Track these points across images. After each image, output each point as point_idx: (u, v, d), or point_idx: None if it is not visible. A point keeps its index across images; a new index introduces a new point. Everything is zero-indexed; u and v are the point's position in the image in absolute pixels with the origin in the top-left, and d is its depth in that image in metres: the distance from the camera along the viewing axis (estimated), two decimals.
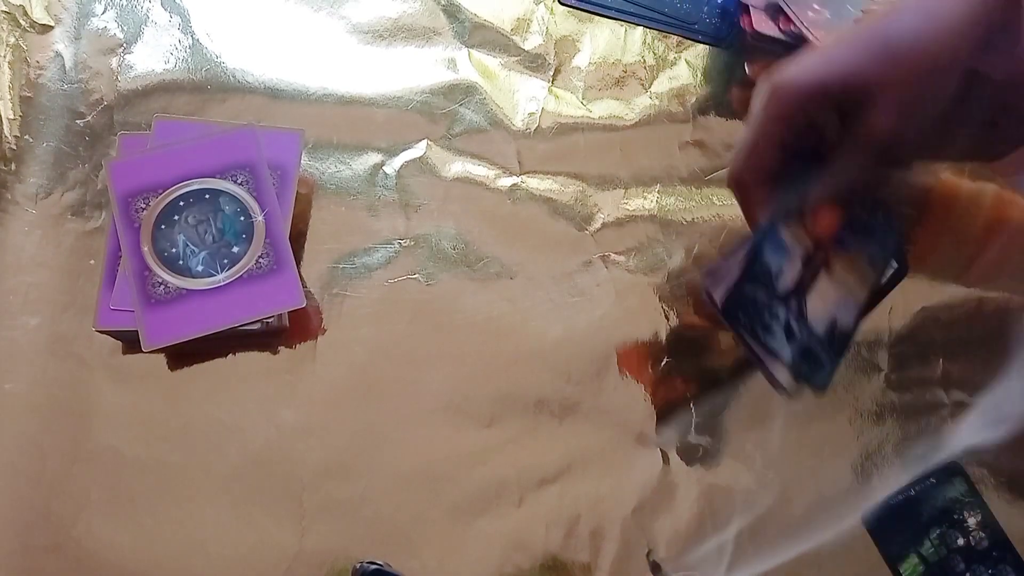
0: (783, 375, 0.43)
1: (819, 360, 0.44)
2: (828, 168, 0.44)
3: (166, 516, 0.48)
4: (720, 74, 0.61)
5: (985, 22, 0.40)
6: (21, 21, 0.59)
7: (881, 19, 0.41)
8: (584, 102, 0.61)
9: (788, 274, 0.44)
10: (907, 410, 0.55)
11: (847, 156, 0.43)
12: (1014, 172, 0.45)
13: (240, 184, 0.52)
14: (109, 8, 0.61)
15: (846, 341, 0.44)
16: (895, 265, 0.46)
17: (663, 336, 0.55)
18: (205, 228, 0.51)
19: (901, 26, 0.40)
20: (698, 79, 0.63)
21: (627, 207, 0.58)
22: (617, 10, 0.64)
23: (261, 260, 0.51)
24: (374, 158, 0.58)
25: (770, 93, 0.42)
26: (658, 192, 0.59)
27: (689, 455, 0.52)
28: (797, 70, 0.41)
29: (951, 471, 0.53)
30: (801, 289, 0.44)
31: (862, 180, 0.44)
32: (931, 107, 0.42)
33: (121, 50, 0.59)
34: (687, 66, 0.63)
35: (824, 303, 0.44)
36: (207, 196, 0.52)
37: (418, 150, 0.58)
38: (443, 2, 0.63)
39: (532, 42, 0.63)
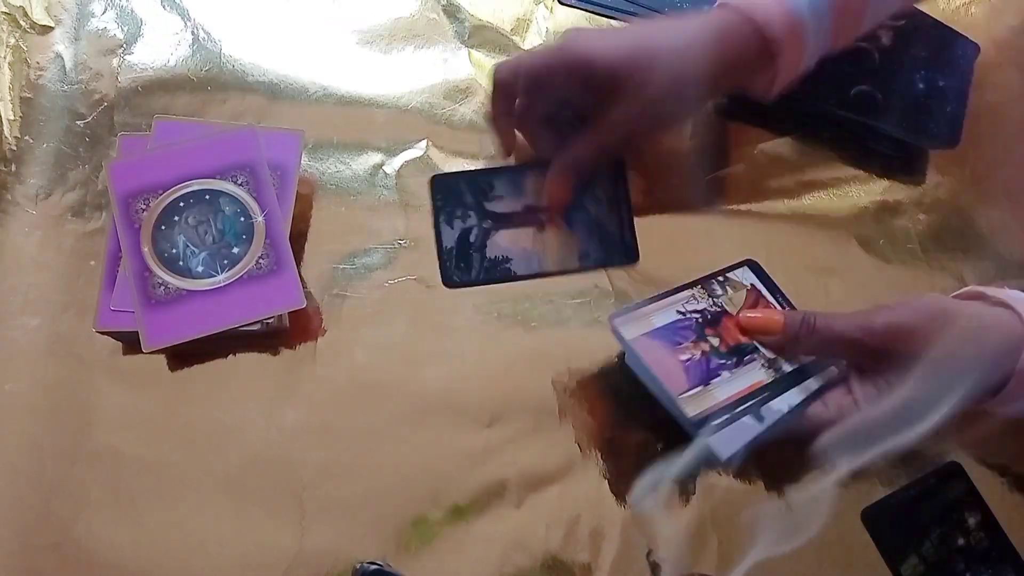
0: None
1: (470, 266, 0.54)
2: (570, 142, 0.54)
3: (166, 516, 0.48)
4: None
5: (731, 69, 0.52)
6: (21, 22, 0.60)
7: (654, 32, 0.52)
8: None
9: (501, 205, 0.56)
10: None
11: (589, 134, 0.53)
12: (1006, 404, 0.47)
13: (240, 185, 0.52)
14: (109, 9, 0.61)
15: (497, 274, 0.54)
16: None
17: None
18: (205, 229, 0.51)
19: (669, 45, 0.50)
20: None
21: None
22: (617, 10, 0.64)
23: (261, 261, 0.51)
24: (374, 158, 0.58)
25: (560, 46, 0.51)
26: (657, 192, 0.59)
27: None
28: (584, 42, 0.51)
29: (951, 471, 0.53)
30: (501, 222, 0.54)
31: (595, 158, 0.55)
32: (668, 117, 0.55)
33: (121, 51, 0.60)
34: None
35: (507, 244, 0.54)
36: (207, 197, 0.52)
37: (418, 150, 0.58)
38: (443, 2, 0.63)
39: (532, 42, 0.63)
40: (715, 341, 0.49)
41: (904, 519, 0.51)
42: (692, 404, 0.47)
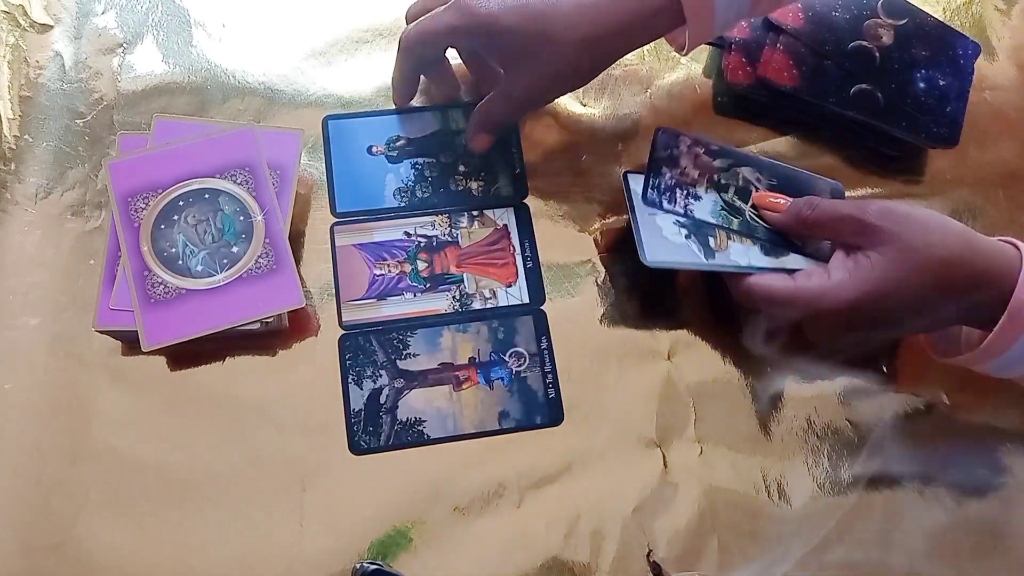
0: None
1: (379, 430, 0.51)
2: (482, 105, 0.55)
3: (166, 516, 0.48)
4: (721, 73, 0.61)
5: (639, 28, 0.50)
6: (21, 21, 0.59)
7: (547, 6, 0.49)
8: (584, 101, 0.61)
9: (415, 363, 0.52)
10: (908, 410, 0.55)
11: (500, 95, 0.54)
12: (985, 360, 0.48)
13: (240, 184, 0.52)
14: (109, 8, 0.61)
15: (409, 438, 0.51)
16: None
17: (663, 337, 0.55)
18: (205, 228, 0.51)
19: (560, 20, 0.49)
20: (699, 78, 0.63)
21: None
22: None
23: (261, 260, 0.51)
24: None
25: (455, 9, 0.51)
26: None
27: (689, 455, 0.52)
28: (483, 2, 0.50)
29: None
30: (415, 381, 0.52)
31: (509, 118, 0.57)
32: (577, 77, 0.53)
33: (121, 50, 0.59)
34: (688, 65, 0.63)
35: (420, 405, 0.52)
36: (207, 196, 0.52)
37: None
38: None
39: None
40: (422, 266, 0.53)
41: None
42: (352, 311, 0.53)
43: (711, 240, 0.52)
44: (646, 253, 0.50)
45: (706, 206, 0.53)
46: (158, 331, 0.49)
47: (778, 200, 0.53)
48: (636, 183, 0.53)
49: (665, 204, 0.52)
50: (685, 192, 0.53)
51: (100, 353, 0.51)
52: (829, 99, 0.59)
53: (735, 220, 0.53)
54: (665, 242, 0.51)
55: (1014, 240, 0.48)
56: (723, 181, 0.54)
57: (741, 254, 0.51)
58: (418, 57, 0.55)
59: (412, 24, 0.53)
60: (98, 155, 0.56)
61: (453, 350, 0.53)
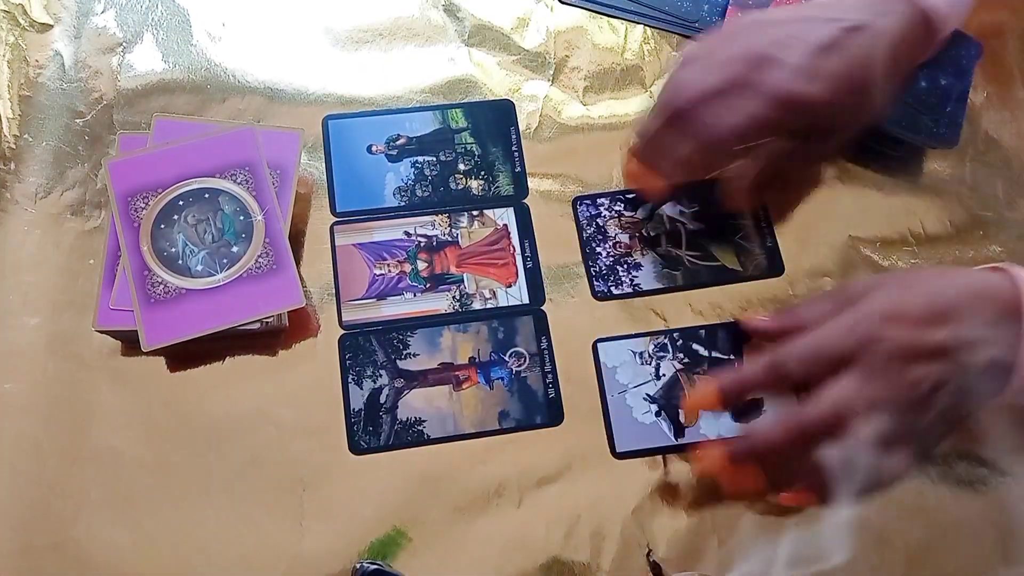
0: None
1: (379, 429, 0.50)
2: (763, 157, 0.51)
3: (166, 516, 0.48)
4: None
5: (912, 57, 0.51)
6: (20, 20, 0.59)
7: (852, 46, 0.47)
8: (584, 102, 0.61)
9: (415, 363, 0.52)
10: (907, 410, 0.55)
11: (803, 156, 0.52)
12: None
13: (240, 183, 0.52)
14: (109, 7, 0.61)
15: (409, 437, 0.51)
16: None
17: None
18: (204, 227, 0.51)
19: (881, 60, 0.47)
20: None
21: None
22: (618, 8, 0.64)
23: (260, 260, 0.51)
24: None
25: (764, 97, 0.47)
26: None
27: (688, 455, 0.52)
28: (791, 83, 0.47)
29: None
30: (415, 381, 0.52)
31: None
32: (873, 120, 0.52)
33: (121, 49, 0.59)
34: None
35: (420, 405, 0.51)
36: (207, 195, 0.52)
37: None
38: (443, 2, 0.63)
39: (532, 41, 0.62)
40: (422, 266, 0.53)
41: None
42: (352, 311, 0.53)
43: (681, 415, 0.52)
44: (616, 445, 0.51)
45: (649, 273, 0.54)
46: (158, 331, 0.49)
47: (704, 397, 0.47)
48: (605, 353, 0.53)
49: (614, 290, 0.54)
50: (625, 267, 0.54)
51: (100, 353, 0.51)
52: None
53: (677, 274, 0.54)
54: (635, 425, 0.51)
55: (1003, 265, 0.46)
56: (651, 233, 0.55)
57: (711, 427, 0.51)
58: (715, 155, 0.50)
59: (705, 122, 0.47)
60: (98, 155, 0.56)
61: (453, 350, 0.53)
